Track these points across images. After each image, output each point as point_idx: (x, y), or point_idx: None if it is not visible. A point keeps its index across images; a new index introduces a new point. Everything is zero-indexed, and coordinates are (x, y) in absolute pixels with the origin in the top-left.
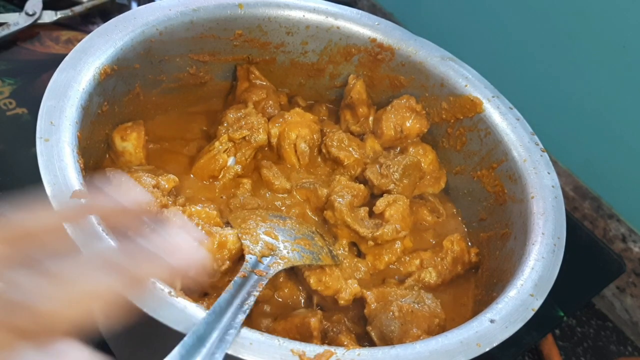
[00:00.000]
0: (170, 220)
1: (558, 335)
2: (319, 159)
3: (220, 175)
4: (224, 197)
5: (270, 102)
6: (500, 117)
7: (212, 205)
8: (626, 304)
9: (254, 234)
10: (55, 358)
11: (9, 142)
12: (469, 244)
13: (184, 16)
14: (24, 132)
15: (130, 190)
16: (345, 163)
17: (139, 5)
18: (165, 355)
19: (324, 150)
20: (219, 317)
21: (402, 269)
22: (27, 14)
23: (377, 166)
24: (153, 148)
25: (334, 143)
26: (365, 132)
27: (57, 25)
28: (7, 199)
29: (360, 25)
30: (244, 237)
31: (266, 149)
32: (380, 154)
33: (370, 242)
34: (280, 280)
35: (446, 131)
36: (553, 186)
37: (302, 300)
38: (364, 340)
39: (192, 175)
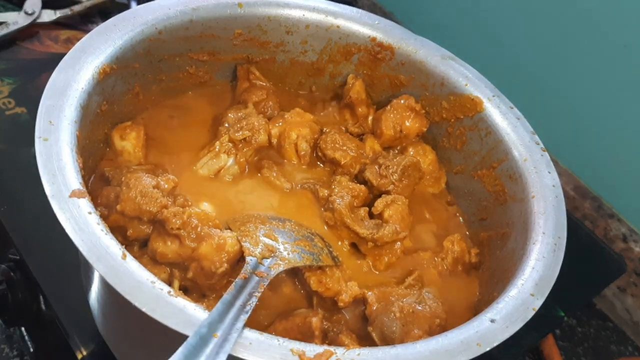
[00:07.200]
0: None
1: (558, 335)
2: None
3: (220, 176)
4: (223, 197)
5: (270, 102)
6: (501, 116)
7: (210, 206)
8: (627, 303)
9: (254, 236)
10: None
11: (8, 141)
12: (470, 243)
13: (183, 15)
14: (23, 132)
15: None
16: (342, 162)
17: (138, 4)
18: (165, 355)
19: (319, 153)
20: (222, 318)
21: (402, 269)
22: (26, 13)
23: (377, 167)
24: (152, 147)
25: (328, 145)
26: (365, 132)
27: (57, 24)
28: (6, 198)
29: (360, 24)
30: (243, 239)
31: (268, 147)
32: (380, 154)
33: (370, 243)
34: (281, 280)
35: (446, 130)
36: (553, 185)
37: (302, 301)
38: (365, 340)
39: (191, 176)
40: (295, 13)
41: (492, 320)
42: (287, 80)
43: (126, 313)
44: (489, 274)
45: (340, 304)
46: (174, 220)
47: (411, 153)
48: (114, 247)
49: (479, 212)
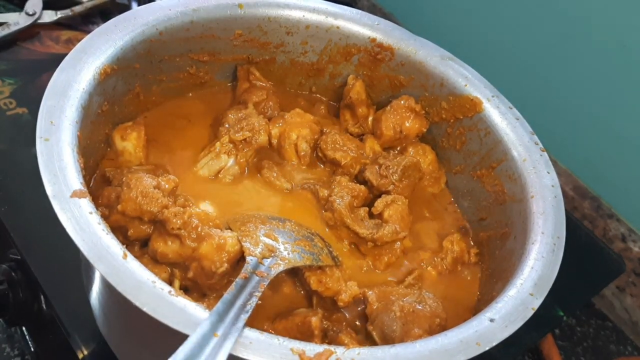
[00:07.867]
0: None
1: (558, 335)
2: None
3: (220, 176)
4: (224, 198)
5: (271, 103)
6: (500, 116)
7: (211, 207)
8: (626, 303)
9: (254, 236)
10: None
11: (9, 141)
12: (470, 243)
13: (184, 16)
14: (24, 132)
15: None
16: (343, 163)
17: (139, 5)
18: (166, 354)
19: (320, 154)
20: (222, 317)
21: (402, 269)
22: (27, 13)
23: (377, 167)
24: (153, 148)
25: (329, 145)
26: (365, 133)
27: (57, 25)
28: (7, 198)
29: (360, 25)
30: (244, 239)
31: (268, 148)
32: (380, 154)
33: (370, 243)
34: (281, 280)
35: (446, 131)
36: (553, 185)
37: (302, 301)
38: (365, 339)
39: (192, 176)
40: (295, 14)
41: (492, 320)
42: (287, 80)
43: (127, 312)
44: (489, 274)
45: (340, 304)
46: (174, 220)
47: (411, 153)
48: (114, 247)
49: (478, 212)
